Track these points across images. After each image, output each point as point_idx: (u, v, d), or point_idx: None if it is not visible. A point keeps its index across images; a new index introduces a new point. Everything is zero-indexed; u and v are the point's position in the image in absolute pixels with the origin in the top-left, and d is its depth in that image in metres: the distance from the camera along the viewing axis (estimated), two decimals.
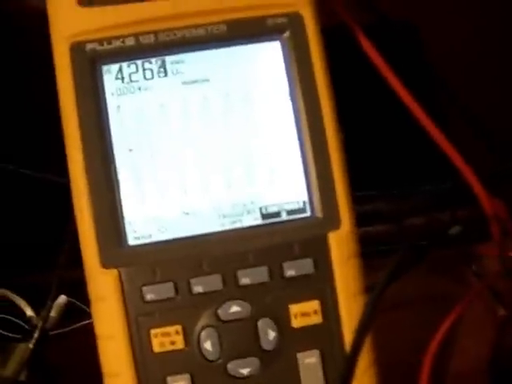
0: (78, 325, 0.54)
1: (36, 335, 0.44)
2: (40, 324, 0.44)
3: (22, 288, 0.53)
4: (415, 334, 0.47)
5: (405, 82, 0.44)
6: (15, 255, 0.54)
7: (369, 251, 0.40)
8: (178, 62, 0.39)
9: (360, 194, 0.40)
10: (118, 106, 0.39)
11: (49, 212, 0.53)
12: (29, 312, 0.50)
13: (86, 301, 0.53)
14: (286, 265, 0.38)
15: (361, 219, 0.40)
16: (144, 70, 0.39)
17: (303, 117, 0.39)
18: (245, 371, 0.38)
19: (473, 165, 0.45)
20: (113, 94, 0.39)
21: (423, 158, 0.54)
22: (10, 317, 0.53)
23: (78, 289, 0.50)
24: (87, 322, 0.53)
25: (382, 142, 0.55)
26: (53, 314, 0.49)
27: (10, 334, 0.52)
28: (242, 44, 0.40)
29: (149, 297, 0.37)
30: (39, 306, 0.53)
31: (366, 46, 0.45)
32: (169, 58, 0.39)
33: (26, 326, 0.51)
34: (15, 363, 0.47)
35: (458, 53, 0.56)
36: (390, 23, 0.56)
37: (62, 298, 0.50)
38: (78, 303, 0.52)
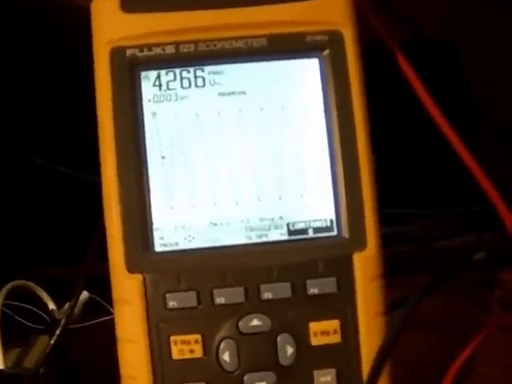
0: (98, 320, 0.55)
1: (58, 332, 0.44)
2: (63, 321, 0.45)
3: (45, 280, 0.54)
4: (435, 356, 0.47)
5: (439, 100, 0.44)
6: (42, 248, 0.55)
7: (391, 269, 0.41)
8: (216, 73, 0.40)
9: (386, 212, 0.41)
10: (154, 113, 0.39)
11: (78, 208, 0.54)
12: (51, 305, 0.51)
13: (106, 297, 0.54)
14: (309, 282, 0.38)
15: (386, 239, 0.40)
16: (182, 78, 0.39)
17: (336, 136, 0.39)
18: None
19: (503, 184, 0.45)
20: (149, 101, 0.39)
21: (453, 180, 0.54)
22: (30, 307, 0.54)
23: (100, 285, 0.51)
24: (106, 318, 0.54)
25: (412, 161, 0.55)
26: (69, 307, 0.50)
27: (32, 325, 0.53)
28: (280, 59, 0.40)
29: (171, 304, 0.38)
30: (60, 298, 0.54)
31: (402, 62, 0.45)
32: (207, 68, 0.39)
33: (47, 319, 0.52)
34: (35, 356, 0.47)
35: (494, 71, 0.56)
36: (426, 40, 0.56)
37: (84, 295, 0.50)
38: (99, 300, 0.53)
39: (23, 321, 0.53)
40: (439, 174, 0.55)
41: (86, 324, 0.53)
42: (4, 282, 0.50)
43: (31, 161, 0.54)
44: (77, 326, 0.51)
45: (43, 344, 0.48)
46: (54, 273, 0.55)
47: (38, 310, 0.53)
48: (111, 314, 0.54)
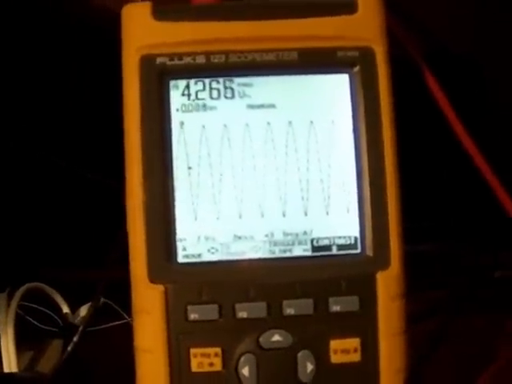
0: (109, 325, 0.54)
1: (76, 339, 0.44)
2: (81, 328, 0.44)
3: (59, 282, 0.53)
4: (459, 370, 0.46)
5: (463, 115, 0.44)
6: (57, 250, 0.55)
7: None
8: (245, 85, 0.39)
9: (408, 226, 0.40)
10: (182, 123, 0.39)
11: (95, 212, 0.54)
12: (65, 309, 0.51)
13: (120, 302, 0.54)
14: (331, 300, 0.38)
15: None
16: (211, 89, 0.39)
17: (364, 153, 0.39)
18: None
19: None
20: (177, 110, 0.39)
21: (475, 196, 0.54)
22: (43, 308, 0.53)
23: (112, 289, 0.50)
24: (118, 322, 0.54)
25: (433, 177, 0.55)
26: (88, 314, 0.49)
27: (44, 327, 0.52)
28: (310, 73, 0.40)
29: (192, 316, 0.38)
30: (72, 300, 0.54)
31: (429, 78, 0.45)
32: (237, 80, 0.39)
33: (60, 322, 0.52)
34: (49, 359, 0.47)
35: None
36: (450, 55, 0.56)
37: (94, 299, 0.50)
38: (113, 305, 0.53)
39: (35, 322, 0.52)
40: (459, 191, 0.55)
41: (97, 328, 0.53)
42: (19, 284, 0.50)
43: (52, 163, 0.54)
44: (89, 329, 0.51)
45: (57, 348, 0.48)
46: (69, 275, 0.54)
47: (50, 313, 0.52)
48: (123, 318, 0.54)
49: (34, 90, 0.54)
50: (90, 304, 0.48)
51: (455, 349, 0.48)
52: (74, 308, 0.53)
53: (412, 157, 0.43)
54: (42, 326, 0.51)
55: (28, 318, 0.51)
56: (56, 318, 0.51)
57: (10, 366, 0.45)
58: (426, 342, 0.37)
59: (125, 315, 0.53)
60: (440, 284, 0.53)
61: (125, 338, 0.45)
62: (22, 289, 0.48)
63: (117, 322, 0.54)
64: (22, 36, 0.53)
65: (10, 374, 0.44)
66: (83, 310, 0.51)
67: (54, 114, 0.55)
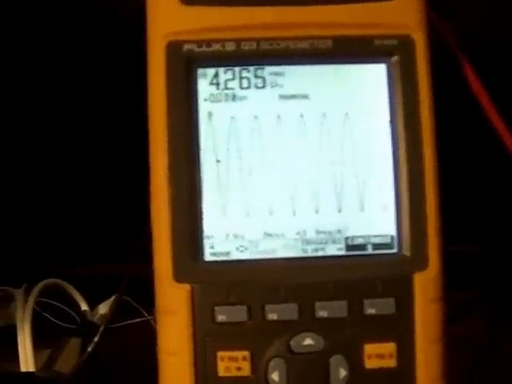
0: (128, 322, 0.53)
1: (96, 339, 0.42)
2: (102, 328, 0.43)
3: (77, 279, 0.52)
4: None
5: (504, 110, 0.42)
6: (76, 247, 0.53)
7: None
8: (277, 74, 0.37)
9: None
10: (210, 113, 0.37)
11: (113, 207, 0.52)
12: (84, 306, 0.49)
13: (139, 299, 0.52)
14: (366, 302, 0.36)
15: None
16: (241, 78, 0.37)
17: (402, 147, 0.37)
18: None
19: None
20: (205, 100, 0.37)
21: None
22: (60, 305, 0.52)
23: (134, 286, 0.49)
24: (138, 320, 0.53)
25: (472, 173, 0.53)
26: (107, 311, 0.48)
27: (62, 323, 0.51)
28: (346, 63, 0.37)
29: (220, 318, 0.36)
30: (90, 296, 0.52)
31: (467, 70, 0.43)
32: (268, 69, 0.37)
33: (78, 319, 0.50)
34: (67, 358, 0.46)
35: None
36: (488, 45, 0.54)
37: (115, 296, 0.49)
38: (133, 302, 0.52)
39: (53, 319, 0.51)
40: (497, 189, 0.53)
41: (115, 325, 0.52)
42: (36, 280, 0.48)
43: (73, 157, 0.53)
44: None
45: (75, 346, 0.47)
46: (87, 271, 0.53)
47: (69, 310, 0.51)
48: (142, 316, 0.52)
49: (57, 82, 0.53)
50: (111, 302, 0.46)
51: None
52: (93, 304, 0.52)
53: (451, 152, 0.41)
54: (60, 324, 0.50)
55: (45, 314, 0.50)
56: (74, 315, 0.50)
57: (28, 364, 0.43)
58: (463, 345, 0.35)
59: (144, 313, 0.52)
60: (474, 285, 0.51)
61: (144, 336, 0.43)
62: (40, 285, 0.47)
63: (136, 320, 0.53)
64: (38, 24, 0.51)
65: (28, 374, 0.42)
66: (102, 308, 0.49)
67: (77, 108, 0.53)
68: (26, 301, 0.46)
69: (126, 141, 0.51)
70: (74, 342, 0.48)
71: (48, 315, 0.50)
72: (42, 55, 0.52)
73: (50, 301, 0.50)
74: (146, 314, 0.51)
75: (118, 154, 0.53)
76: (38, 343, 0.46)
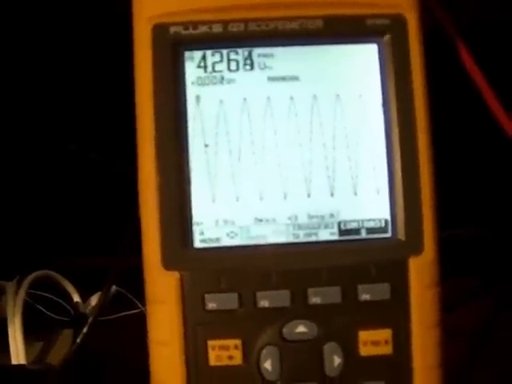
0: (122, 314, 0.52)
1: (85, 330, 0.41)
2: (91, 319, 0.42)
3: (70, 270, 0.51)
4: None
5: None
6: (69, 238, 0.52)
7: None
8: (266, 56, 0.36)
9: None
10: (198, 97, 0.36)
11: (105, 197, 0.51)
12: (76, 298, 0.48)
13: (134, 290, 0.52)
14: (360, 287, 0.35)
15: None
16: (229, 60, 0.36)
17: (395, 129, 0.36)
18: None
19: None
20: (193, 83, 0.36)
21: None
22: (53, 297, 0.51)
23: (126, 277, 0.48)
24: (132, 312, 0.52)
25: (468, 156, 0.52)
26: (98, 303, 0.47)
27: (54, 316, 0.50)
28: (336, 43, 0.36)
29: (210, 306, 0.35)
30: (84, 288, 0.52)
31: (463, 53, 0.42)
32: (257, 50, 0.36)
33: (71, 310, 0.50)
34: (59, 351, 0.45)
35: None
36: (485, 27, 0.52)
37: (112, 289, 0.48)
38: (127, 293, 0.51)
39: (45, 311, 0.50)
40: (495, 173, 0.52)
41: (109, 318, 0.51)
42: (29, 273, 0.48)
43: (63, 148, 0.52)
44: (101, 318, 0.49)
45: (67, 338, 0.46)
46: (80, 263, 0.52)
47: (61, 301, 0.50)
48: (137, 307, 0.52)
49: (48, 72, 0.52)
50: (100, 293, 0.45)
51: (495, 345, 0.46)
52: (86, 296, 0.51)
53: (445, 135, 0.40)
54: (53, 315, 0.49)
55: (38, 306, 0.49)
56: (67, 306, 0.49)
57: (18, 357, 0.43)
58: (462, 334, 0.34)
59: (139, 304, 0.51)
60: (472, 271, 0.50)
61: (138, 327, 0.42)
62: (31, 277, 0.46)
63: (130, 312, 0.52)
64: (38, 20, 0.51)
65: (19, 366, 0.42)
66: (94, 300, 0.49)
67: (65, 96, 0.53)
68: (17, 293, 0.45)
69: (114, 130, 0.50)
70: (67, 334, 0.47)
71: (40, 307, 0.49)
72: (43, 52, 0.52)
73: (42, 293, 0.50)
74: (140, 305, 0.50)
75: (106, 144, 0.52)
76: (30, 335, 0.45)
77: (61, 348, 0.46)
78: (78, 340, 0.42)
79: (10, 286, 0.46)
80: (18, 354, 0.42)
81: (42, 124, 0.54)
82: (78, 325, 0.46)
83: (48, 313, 0.49)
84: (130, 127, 0.37)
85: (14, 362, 0.43)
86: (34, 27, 0.51)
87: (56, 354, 0.45)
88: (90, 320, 0.42)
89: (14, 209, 0.53)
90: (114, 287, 0.49)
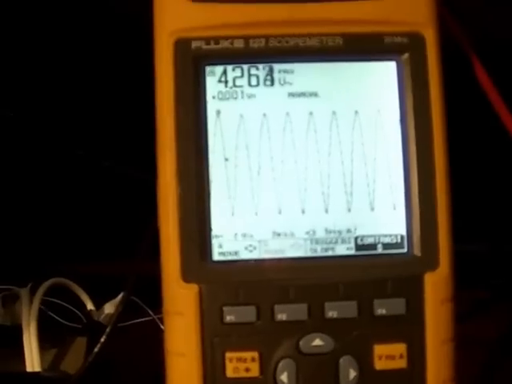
0: (135, 321, 0.53)
1: (103, 339, 0.42)
2: (109, 329, 0.42)
3: (82, 277, 0.52)
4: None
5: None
6: (82, 245, 0.53)
7: None
8: (286, 72, 0.37)
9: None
10: (218, 111, 0.36)
11: (120, 205, 0.52)
12: (89, 305, 0.49)
13: (145, 298, 0.52)
14: (376, 302, 0.36)
15: None
16: (250, 75, 0.37)
17: (412, 146, 0.36)
18: None
19: None
20: (214, 98, 0.37)
21: None
22: (65, 303, 0.52)
23: (139, 284, 0.48)
24: (144, 319, 0.52)
25: (483, 172, 0.52)
26: (113, 311, 0.48)
27: (66, 323, 0.51)
28: (355, 60, 0.37)
29: (228, 318, 0.35)
30: (96, 295, 0.52)
31: (478, 69, 0.42)
32: (277, 66, 0.37)
33: (83, 318, 0.50)
34: (72, 358, 0.45)
35: None
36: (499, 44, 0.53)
37: (123, 296, 0.48)
38: (139, 302, 0.51)
39: (58, 318, 0.50)
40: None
41: (121, 325, 0.51)
42: (41, 279, 0.48)
43: (78, 155, 0.52)
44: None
45: (80, 346, 0.46)
46: (92, 270, 0.52)
47: (74, 309, 0.50)
48: (147, 315, 0.52)
49: (66, 80, 0.53)
50: (117, 301, 0.45)
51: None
52: (98, 303, 0.51)
53: (461, 151, 0.40)
54: (65, 323, 0.49)
55: (51, 314, 0.50)
56: (79, 314, 0.49)
57: (33, 364, 0.43)
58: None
59: (150, 312, 0.52)
60: (486, 285, 0.50)
61: (149, 335, 0.43)
62: (45, 284, 0.46)
63: (141, 319, 0.52)
64: (44, 21, 0.51)
65: (34, 374, 0.42)
66: (108, 307, 0.49)
67: (83, 104, 0.53)
68: (31, 300, 0.46)
69: (131, 138, 0.50)
70: (80, 342, 0.47)
71: (53, 314, 0.50)
72: (56, 58, 0.52)
73: (55, 300, 0.50)
74: (151, 313, 0.50)
75: (125, 151, 0.52)
76: (43, 342, 0.45)
77: (74, 355, 0.46)
78: (96, 349, 0.42)
79: (24, 293, 0.47)
80: (32, 362, 0.43)
81: (55, 129, 0.54)
82: (92, 332, 0.46)
83: (61, 320, 0.50)
84: (149, 133, 0.37)
85: (28, 369, 0.43)
86: (48, 34, 0.52)
87: (70, 362, 0.45)
88: (108, 329, 0.43)
89: (29, 216, 0.54)
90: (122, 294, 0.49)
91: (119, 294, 0.49)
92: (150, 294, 0.41)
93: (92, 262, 0.53)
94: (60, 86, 0.54)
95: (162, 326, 0.38)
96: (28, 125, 0.54)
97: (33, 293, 0.47)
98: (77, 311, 0.50)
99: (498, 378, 0.45)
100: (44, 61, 0.52)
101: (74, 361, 0.45)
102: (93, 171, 0.54)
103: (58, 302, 0.51)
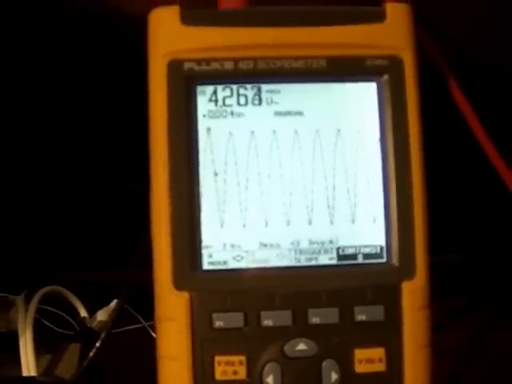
0: (126, 328, 0.54)
1: (98, 344, 0.43)
2: (103, 334, 0.44)
3: (74, 284, 0.53)
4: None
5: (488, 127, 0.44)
6: (75, 252, 0.54)
7: None
8: (273, 92, 0.39)
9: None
10: (209, 129, 0.39)
11: (116, 216, 0.53)
12: (83, 313, 0.50)
13: (136, 306, 0.53)
14: (357, 309, 0.38)
15: None
16: (239, 95, 0.39)
17: (391, 162, 0.39)
18: None
19: None
20: (204, 116, 0.39)
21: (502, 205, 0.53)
22: (58, 311, 0.53)
23: (130, 292, 0.50)
24: (134, 326, 0.54)
25: (459, 186, 0.54)
26: (105, 318, 0.49)
27: (60, 330, 0.52)
28: (339, 81, 0.39)
29: (217, 324, 0.37)
30: (89, 304, 0.53)
31: (454, 89, 0.44)
32: (265, 87, 0.39)
33: (76, 325, 0.52)
34: (67, 364, 0.47)
35: None
36: (477, 64, 0.55)
37: (117, 303, 0.50)
38: (131, 310, 0.53)
39: (51, 326, 0.52)
40: (484, 200, 0.54)
41: (113, 331, 0.53)
42: (35, 286, 0.49)
43: (72, 165, 0.54)
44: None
45: (74, 352, 0.48)
46: (85, 278, 0.54)
47: (66, 316, 0.52)
48: (138, 322, 0.54)
49: (62, 93, 0.54)
50: (111, 308, 0.47)
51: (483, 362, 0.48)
52: (90, 311, 0.53)
53: (437, 166, 0.43)
54: (59, 330, 0.51)
55: (44, 321, 0.51)
56: (72, 321, 0.51)
57: (29, 369, 0.45)
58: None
59: (141, 319, 0.53)
60: (463, 294, 0.53)
61: (140, 342, 0.44)
62: (41, 292, 0.48)
63: (132, 326, 0.54)
64: (44, 42, 0.53)
65: (30, 379, 0.44)
66: (100, 315, 0.50)
67: (77, 116, 0.55)
68: (26, 308, 0.47)
69: (124, 149, 0.52)
70: (74, 348, 0.49)
71: (46, 321, 0.51)
72: (68, 80, 0.53)
73: (48, 307, 0.52)
74: (142, 321, 0.52)
75: (119, 163, 0.54)
76: (38, 349, 0.47)
77: (68, 361, 0.47)
78: (91, 354, 0.44)
79: (19, 301, 0.48)
80: (28, 367, 0.44)
81: (51, 141, 0.56)
82: (85, 339, 0.48)
83: (54, 327, 0.51)
84: (140, 145, 0.39)
85: (24, 373, 0.45)
86: (42, 55, 0.53)
87: (64, 368, 0.47)
88: (102, 336, 0.44)
89: (23, 223, 0.55)
90: (114, 301, 0.50)
91: (111, 301, 0.51)
92: (140, 301, 0.43)
93: (85, 270, 0.54)
94: (56, 99, 0.55)
95: (152, 334, 0.40)
96: (21, 133, 0.55)
97: (28, 300, 0.49)
98: (69, 318, 0.51)
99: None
100: (39, 76, 0.54)
101: (68, 366, 0.47)
102: (86, 182, 0.56)
103: (51, 309, 0.52)
